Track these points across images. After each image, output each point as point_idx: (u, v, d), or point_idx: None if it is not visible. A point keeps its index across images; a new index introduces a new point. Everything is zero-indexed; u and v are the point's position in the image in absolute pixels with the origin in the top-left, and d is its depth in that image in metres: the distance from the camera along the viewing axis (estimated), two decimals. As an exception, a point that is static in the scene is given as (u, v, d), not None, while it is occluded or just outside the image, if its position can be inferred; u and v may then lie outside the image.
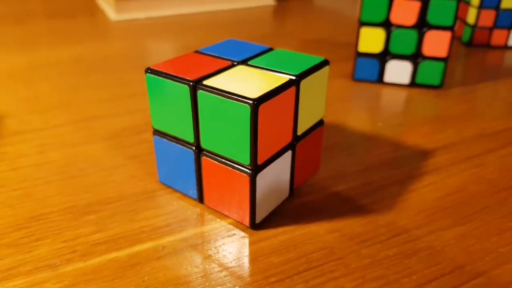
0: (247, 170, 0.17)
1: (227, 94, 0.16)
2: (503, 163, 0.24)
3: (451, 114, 0.30)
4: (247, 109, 0.16)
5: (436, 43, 0.32)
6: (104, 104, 0.30)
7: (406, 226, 0.20)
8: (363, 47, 0.33)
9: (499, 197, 0.21)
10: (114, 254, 0.18)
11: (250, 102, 0.16)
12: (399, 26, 0.32)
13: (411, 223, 0.20)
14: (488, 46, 0.44)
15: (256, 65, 0.19)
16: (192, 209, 0.20)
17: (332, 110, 0.30)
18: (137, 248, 0.18)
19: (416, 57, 0.33)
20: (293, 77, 0.18)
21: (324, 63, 0.20)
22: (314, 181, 0.22)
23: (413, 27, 0.32)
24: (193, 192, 0.20)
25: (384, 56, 0.33)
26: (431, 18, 0.31)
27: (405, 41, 0.32)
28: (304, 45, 0.43)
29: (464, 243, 0.19)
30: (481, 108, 0.30)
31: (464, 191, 0.22)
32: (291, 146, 0.19)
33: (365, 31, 0.33)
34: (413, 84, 0.34)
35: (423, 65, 0.33)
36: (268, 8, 0.57)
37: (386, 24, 0.32)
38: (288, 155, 0.19)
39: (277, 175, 0.19)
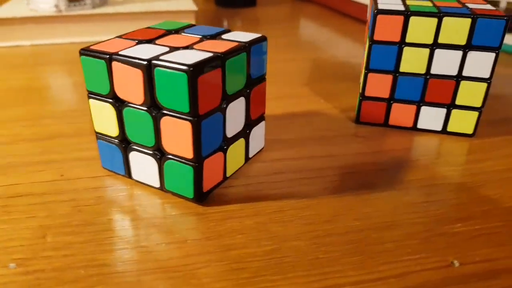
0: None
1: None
2: None
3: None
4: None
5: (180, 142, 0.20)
6: None
7: None
8: (100, 128, 0.23)
9: None
10: None
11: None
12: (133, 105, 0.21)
13: None
14: (386, 125, 0.30)
15: None
16: None
17: None
18: None
19: (161, 155, 0.21)
20: None
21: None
22: None
23: (144, 108, 0.20)
24: None
25: (126, 144, 0.22)
26: (164, 102, 0.19)
27: (142, 130, 0.21)
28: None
29: None
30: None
31: None
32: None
33: (95, 106, 0.22)
34: (164, 189, 0.22)
35: (168, 164, 0.21)
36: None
37: (115, 99, 0.21)
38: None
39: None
